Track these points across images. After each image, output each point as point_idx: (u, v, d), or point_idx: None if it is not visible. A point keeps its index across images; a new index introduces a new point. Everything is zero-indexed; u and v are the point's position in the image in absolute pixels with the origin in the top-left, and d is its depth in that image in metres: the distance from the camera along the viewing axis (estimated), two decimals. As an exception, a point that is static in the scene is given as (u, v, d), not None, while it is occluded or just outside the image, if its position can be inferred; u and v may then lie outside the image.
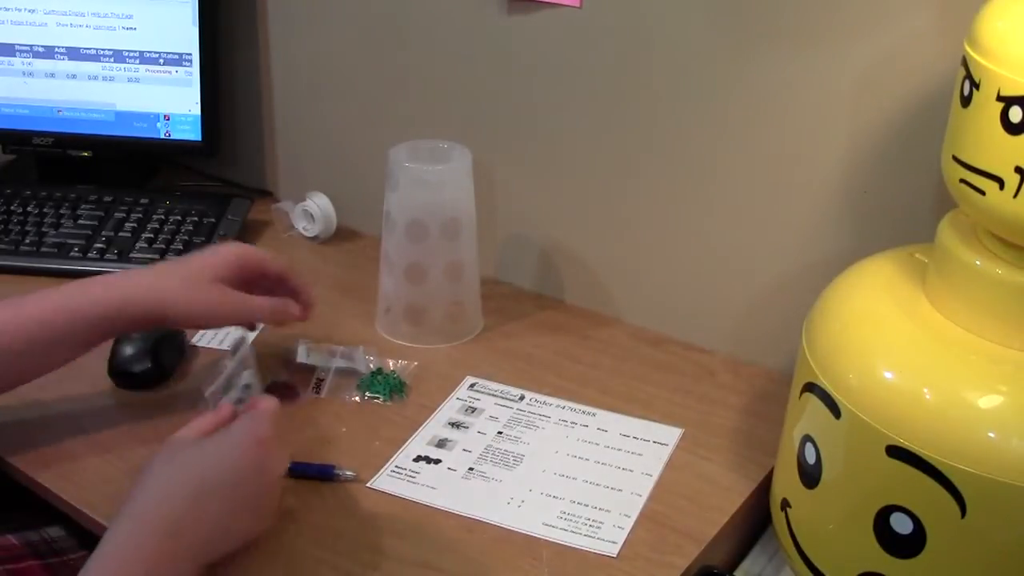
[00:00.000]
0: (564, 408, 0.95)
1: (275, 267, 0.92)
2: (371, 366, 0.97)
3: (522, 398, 0.96)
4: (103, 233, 1.19)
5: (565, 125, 1.05)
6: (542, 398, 0.96)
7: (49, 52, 1.25)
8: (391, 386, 0.95)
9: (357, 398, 0.94)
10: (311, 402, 0.94)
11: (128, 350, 0.95)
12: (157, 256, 1.15)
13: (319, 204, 1.22)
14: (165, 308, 0.84)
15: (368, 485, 0.84)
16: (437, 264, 1.01)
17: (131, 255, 1.16)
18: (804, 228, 0.94)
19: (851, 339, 0.71)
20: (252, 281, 0.90)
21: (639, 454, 0.89)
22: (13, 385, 0.84)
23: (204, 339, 1.04)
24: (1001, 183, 0.63)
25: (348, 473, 0.84)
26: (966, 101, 0.65)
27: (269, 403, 0.77)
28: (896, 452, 0.65)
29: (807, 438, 0.73)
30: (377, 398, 0.94)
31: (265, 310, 0.90)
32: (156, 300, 0.83)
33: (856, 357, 0.69)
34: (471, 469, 0.87)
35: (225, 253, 0.89)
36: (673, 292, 1.05)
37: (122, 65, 1.25)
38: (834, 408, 0.69)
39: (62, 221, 1.20)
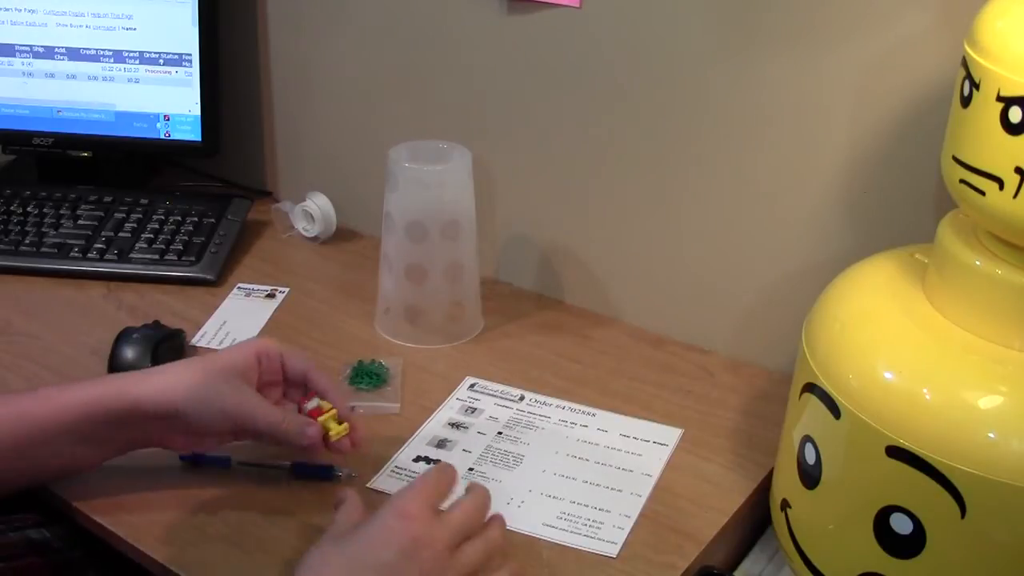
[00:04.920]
0: (564, 408, 0.95)
1: (295, 364, 0.82)
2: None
3: (522, 398, 0.96)
4: (103, 233, 1.19)
5: (565, 125, 1.05)
6: (542, 398, 0.96)
7: (49, 52, 1.25)
8: (377, 376, 0.96)
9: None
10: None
11: (128, 350, 0.95)
12: (157, 256, 1.15)
13: (319, 204, 1.22)
14: (176, 413, 0.77)
15: (368, 485, 0.84)
16: (437, 264, 1.01)
17: (131, 255, 1.16)
18: (804, 228, 0.94)
19: (851, 339, 0.71)
20: (277, 381, 0.82)
21: (639, 454, 0.89)
22: (9, 489, 0.79)
23: (204, 339, 1.04)
24: (1001, 183, 0.63)
25: (348, 473, 0.84)
26: (966, 101, 0.65)
27: (425, 478, 0.71)
28: (896, 452, 0.65)
29: (807, 438, 0.73)
30: (365, 389, 0.95)
31: (280, 428, 0.78)
32: (168, 403, 0.77)
33: (856, 357, 0.69)
34: (471, 469, 0.87)
35: (244, 350, 0.80)
36: (673, 292, 1.05)
37: (122, 65, 1.25)
38: (834, 408, 0.69)
39: (62, 221, 1.20)
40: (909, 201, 0.87)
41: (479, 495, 0.73)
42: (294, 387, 0.84)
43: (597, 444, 0.90)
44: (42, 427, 0.76)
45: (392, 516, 0.68)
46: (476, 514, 0.72)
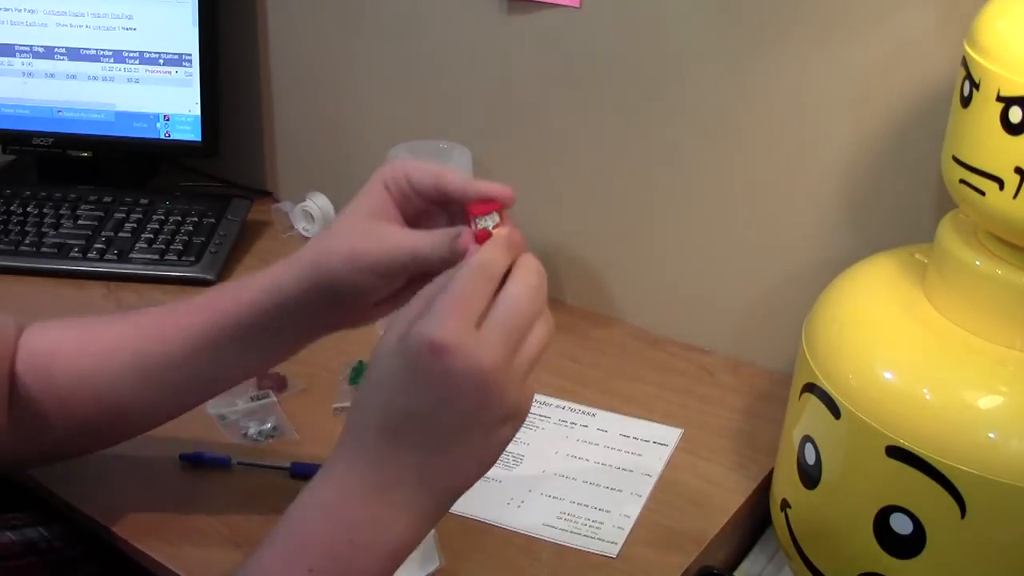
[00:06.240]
0: (564, 408, 0.95)
1: (420, 179, 0.65)
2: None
3: (522, 398, 0.96)
4: (103, 233, 1.19)
5: (565, 125, 1.05)
6: (542, 398, 0.96)
7: (49, 52, 1.25)
8: None
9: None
10: (311, 402, 0.94)
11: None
12: (157, 256, 1.15)
13: (319, 204, 1.22)
14: (328, 278, 0.66)
15: (368, 485, 0.84)
16: (437, 264, 1.01)
17: (131, 255, 1.16)
18: (804, 228, 0.94)
19: (851, 339, 0.71)
20: (425, 203, 0.67)
21: (639, 454, 0.89)
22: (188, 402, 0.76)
23: (204, 339, 1.04)
24: (1001, 183, 0.63)
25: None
26: (966, 101, 0.65)
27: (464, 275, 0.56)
28: (896, 452, 0.65)
29: (807, 438, 0.73)
30: None
31: (427, 250, 0.63)
32: (314, 272, 0.67)
33: (856, 357, 0.69)
34: (471, 469, 0.87)
35: (369, 186, 0.67)
36: (673, 292, 1.05)
37: (122, 65, 1.25)
38: (834, 408, 0.69)
39: (62, 221, 1.20)
40: (909, 201, 0.87)
41: (528, 279, 0.57)
42: (446, 207, 0.67)
43: (597, 444, 0.90)
44: (212, 330, 0.70)
45: (423, 350, 0.54)
46: (529, 307, 0.57)
